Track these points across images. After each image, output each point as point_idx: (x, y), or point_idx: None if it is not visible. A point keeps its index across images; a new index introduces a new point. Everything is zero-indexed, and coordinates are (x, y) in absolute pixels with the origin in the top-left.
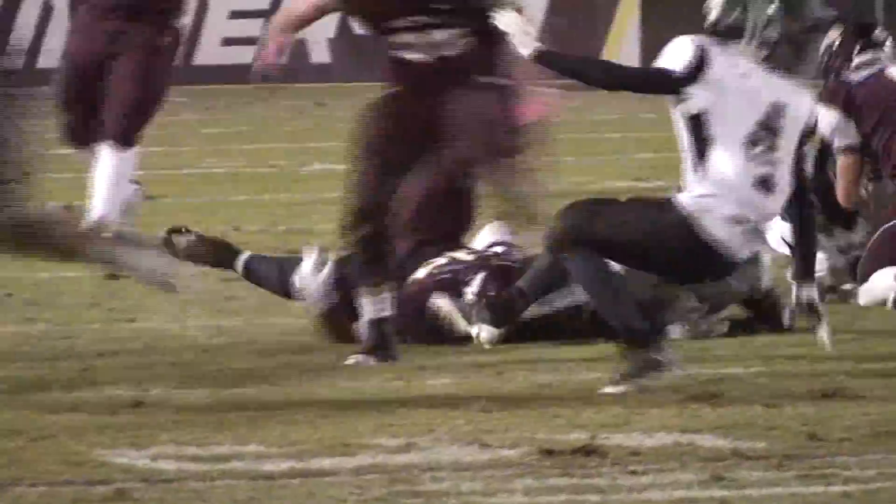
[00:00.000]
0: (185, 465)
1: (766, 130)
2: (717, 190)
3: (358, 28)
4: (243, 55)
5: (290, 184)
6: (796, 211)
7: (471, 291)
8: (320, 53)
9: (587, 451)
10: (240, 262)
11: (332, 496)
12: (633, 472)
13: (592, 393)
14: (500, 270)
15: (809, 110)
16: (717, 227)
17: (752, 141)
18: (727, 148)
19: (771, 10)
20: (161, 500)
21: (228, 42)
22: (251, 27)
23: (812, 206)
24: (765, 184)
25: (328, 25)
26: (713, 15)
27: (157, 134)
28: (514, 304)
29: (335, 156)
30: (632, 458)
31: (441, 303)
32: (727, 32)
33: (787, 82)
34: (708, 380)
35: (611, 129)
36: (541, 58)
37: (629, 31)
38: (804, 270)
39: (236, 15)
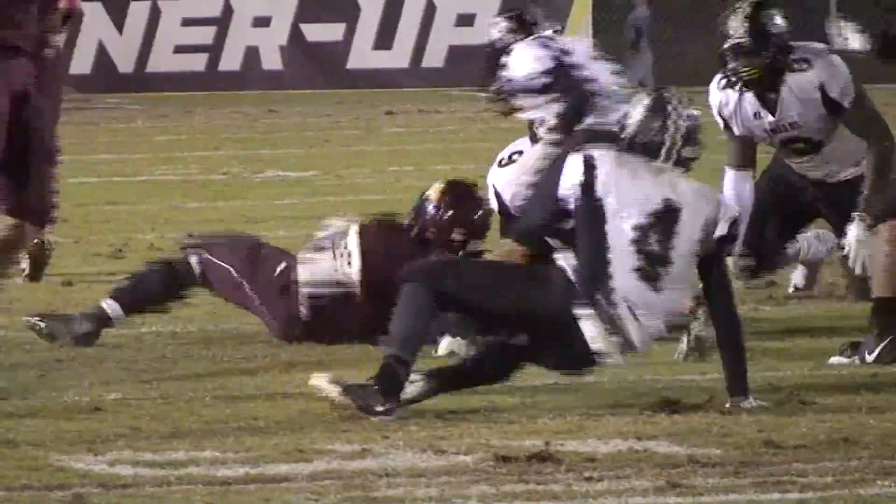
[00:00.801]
0: (142, 471)
1: (657, 227)
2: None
3: (311, 36)
4: (195, 63)
5: (242, 191)
6: (717, 317)
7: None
8: (272, 61)
9: (542, 457)
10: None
11: (288, 502)
12: (589, 479)
13: (548, 399)
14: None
15: (713, 216)
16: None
17: (641, 234)
18: (615, 237)
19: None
20: None
21: (180, 49)
22: (203, 35)
23: (733, 308)
24: (648, 277)
25: (280, 33)
26: (629, 129)
27: (110, 141)
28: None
29: (287, 163)
30: (587, 464)
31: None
32: (644, 149)
33: (690, 185)
34: (664, 387)
35: None
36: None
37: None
38: (737, 384)
39: (188, 22)
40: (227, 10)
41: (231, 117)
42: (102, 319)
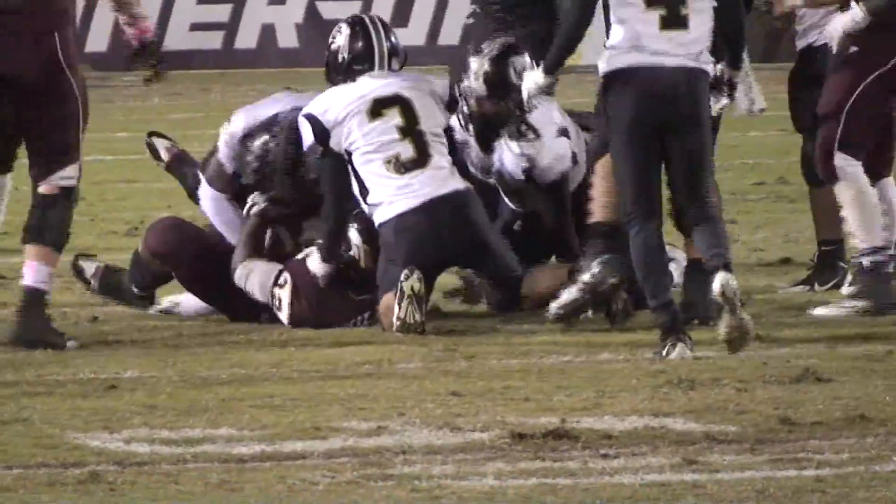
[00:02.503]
0: (158, 448)
1: None
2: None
3: (327, 13)
4: (211, 40)
5: None
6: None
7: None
8: (288, 38)
9: (558, 434)
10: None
11: (304, 479)
12: (605, 456)
13: (563, 376)
14: None
15: None
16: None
17: None
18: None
19: None
20: (134, 483)
21: (196, 27)
22: (219, 13)
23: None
24: (675, 24)
25: (296, 11)
26: None
27: (126, 119)
28: None
29: None
30: (603, 441)
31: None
32: None
33: None
34: (679, 363)
35: None
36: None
37: None
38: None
39: (204, 0)
40: None
41: (247, 95)
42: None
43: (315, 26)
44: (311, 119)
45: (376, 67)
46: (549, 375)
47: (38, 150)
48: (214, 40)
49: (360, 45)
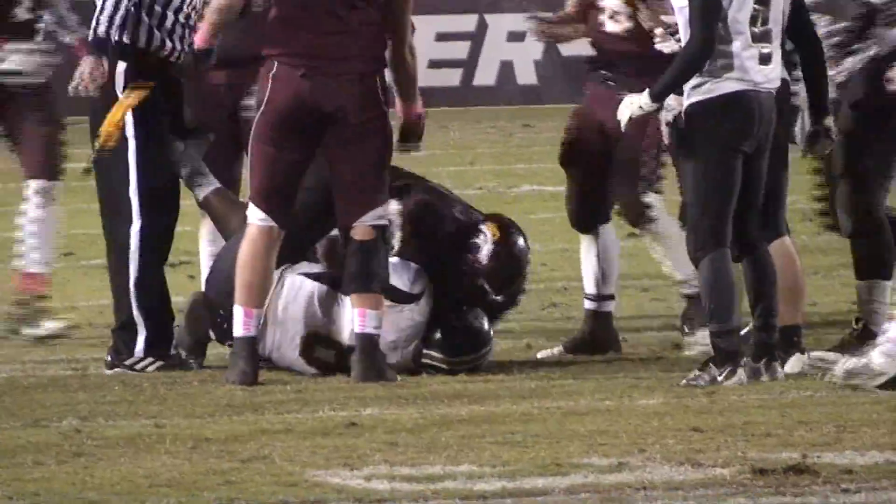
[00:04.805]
0: (399, 486)
1: (761, 5)
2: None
3: (566, 50)
4: (450, 77)
5: (498, 205)
6: (801, 48)
7: None
8: (527, 75)
9: (799, 469)
10: None
11: None
12: (846, 491)
13: (804, 411)
14: None
15: None
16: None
17: (753, 20)
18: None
19: None
20: None
21: (435, 64)
22: (458, 49)
23: (816, 40)
24: (765, 59)
25: (535, 47)
26: None
27: None
28: None
29: (543, 177)
30: (844, 476)
31: None
32: None
33: None
34: None
35: None
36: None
37: None
38: (819, 101)
39: (443, 37)
40: (482, 25)
41: (486, 132)
42: None
43: (553, 63)
44: None
45: None
46: (790, 410)
47: (352, 188)
48: (453, 77)
49: None
